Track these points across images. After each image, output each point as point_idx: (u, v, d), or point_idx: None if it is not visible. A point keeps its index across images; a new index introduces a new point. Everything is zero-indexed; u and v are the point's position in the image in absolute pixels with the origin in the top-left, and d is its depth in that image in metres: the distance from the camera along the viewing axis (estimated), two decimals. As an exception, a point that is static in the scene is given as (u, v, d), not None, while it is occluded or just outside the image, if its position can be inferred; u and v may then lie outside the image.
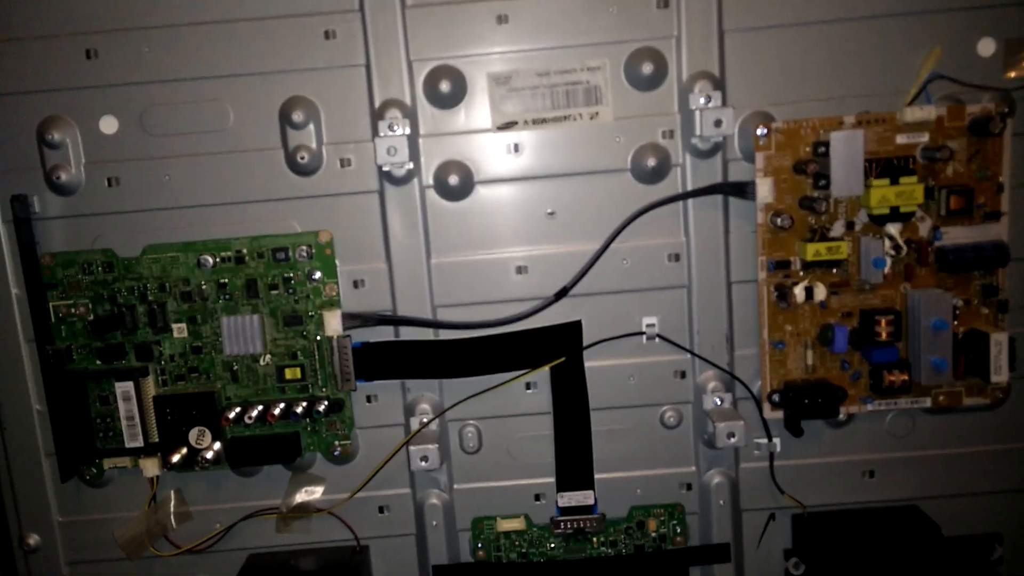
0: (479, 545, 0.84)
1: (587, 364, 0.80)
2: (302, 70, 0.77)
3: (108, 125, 0.78)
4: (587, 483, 0.81)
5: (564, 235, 0.79)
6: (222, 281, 0.78)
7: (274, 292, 0.79)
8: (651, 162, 0.76)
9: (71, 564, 0.85)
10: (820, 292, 0.76)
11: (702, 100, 0.73)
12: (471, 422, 0.82)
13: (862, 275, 0.76)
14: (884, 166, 0.73)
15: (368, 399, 0.82)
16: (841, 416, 0.79)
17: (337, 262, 0.79)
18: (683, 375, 0.81)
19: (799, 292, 0.76)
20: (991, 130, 0.72)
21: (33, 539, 0.84)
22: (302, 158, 0.76)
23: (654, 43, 0.76)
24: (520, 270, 0.80)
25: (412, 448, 0.77)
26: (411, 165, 0.76)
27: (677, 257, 0.79)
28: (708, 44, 0.75)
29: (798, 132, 0.74)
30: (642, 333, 0.80)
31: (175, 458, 0.79)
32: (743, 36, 0.76)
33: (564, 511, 0.81)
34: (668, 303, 0.80)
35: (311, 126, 0.76)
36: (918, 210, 0.74)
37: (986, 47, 0.76)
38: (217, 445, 0.80)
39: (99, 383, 0.80)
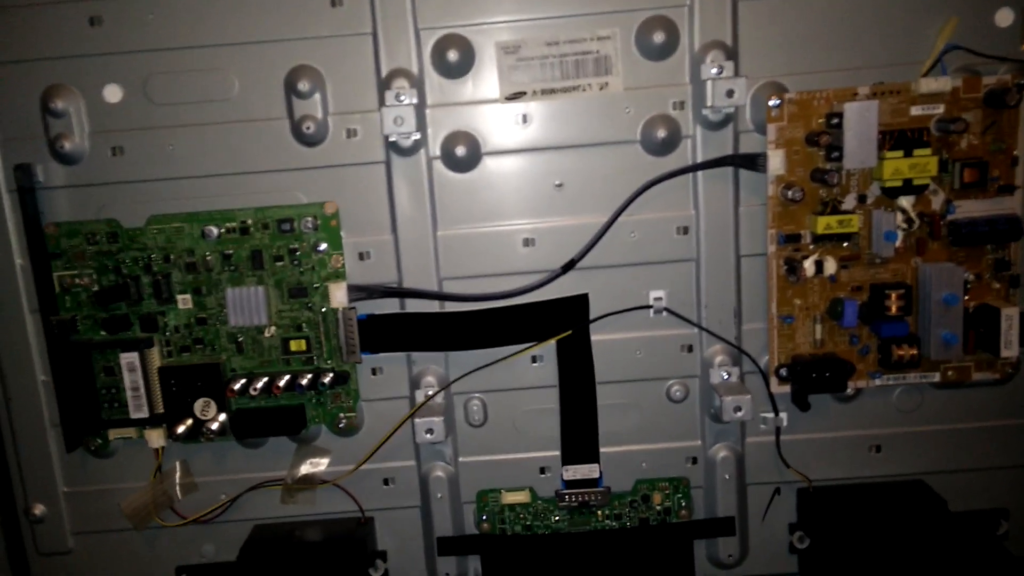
0: (484, 517, 0.84)
1: (594, 337, 0.80)
2: (308, 38, 0.76)
3: (112, 94, 0.77)
4: (592, 456, 0.81)
5: (572, 207, 0.79)
6: (227, 252, 0.78)
7: (279, 263, 0.78)
8: (661, 133, 0.75)
9: (77, 534, 0.85)
10: (830, 266, 0.75)
11: (714, 70, 0.72)
12: (476, 395, 0.82)
13: (873, 249, 0.75)
14: (898, 138, 0.72)
15: (373, 371, 0.81)
16: (849, 390, 0.79)
17: (343, 233, 0.78)
18: (690, 349, 0.81)
19: (809, 266, 0.75)
20: (1007, 102, 0.71)
21: (39, 509, 0.84)
22: (308, 128, 0.75)
23: (666, 12, 0.75)
24: (527, 242, 0.79)
25: (417, 420, 0.77)
26: (418, 136, 0.75)
27: (686, 230, 0.78)
28: (721, 13, 0.74)
29: (811, 103, 0.73)
30: (649, 307, 0.80)
31: (180, 429, 0.79)
32: (756, 5, 0.75)
33: (569, 484, 0.81)
34: (676, 276, 0.80)
35: (317, 96, 0.76)
36: (931, 183, 0.73)
37: (1004, 17, 0.75)
38: (222, 416, 0.80)
39: (104, 354, 0.80)
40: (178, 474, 0.83)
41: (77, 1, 0.75)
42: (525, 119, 0.77)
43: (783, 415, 0.80)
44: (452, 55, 0.75)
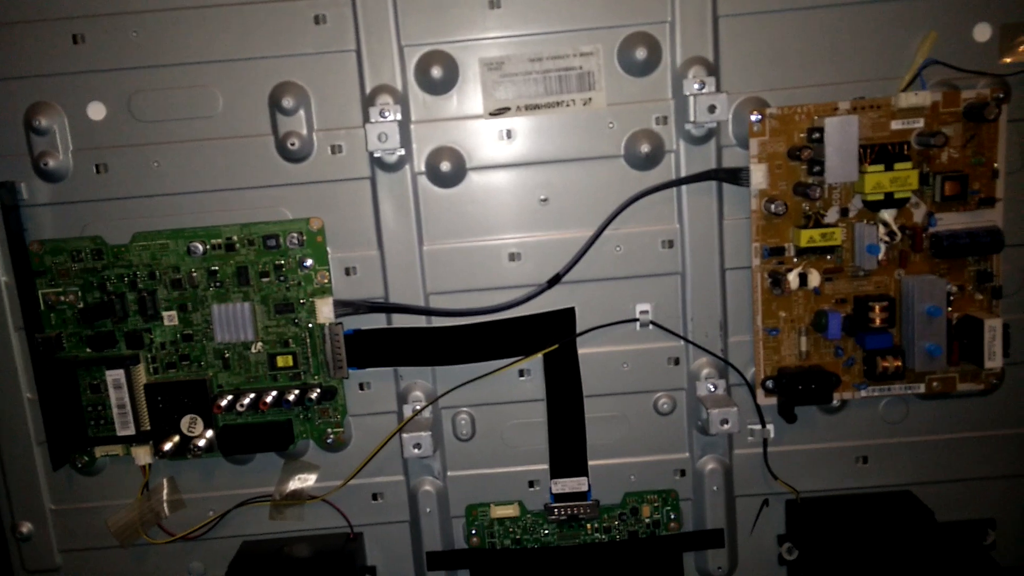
0: (473, 532, 0.84)
1: (580, 351, 0.80)
2: (292, 55, 0.76)
3: (96, 111, 0.77)
4: (581, 470, 0.81)
5: (557, 222, 0.79)
6: (212, 268, 0.78)
7: (265, 279, 0.78)
8: (644, 148, 0.76)
9: (64, 552, 0.85)
10: (814, 278, 0.75)
11: (696, 86, 0.73)
12: (464, 409, 0.82)
13: (856, 261, 0.76)
14: (879, 152, 0.72)
15: (361, 386, 0.81)
16: (835, 402, 0.79)
17: (328, 249, 0.78)
18: (676, 362, 0.81)
19: (793, 278, 0.75)
20: (986, 116, 0.71)
21: (26, 527, 0.84)
22: (292, 144, 0.75)
23: (648, 28, 0.75)
24: (513, 257, 0.79)
25: (405, 435, 0.77)
26: (402, 151, 0.75)
27: (671, 244, 0.78)
28: (702, 29, 0.75)
29: (792, 118, 0.73)
30: (635, 320, 0.80)
31: (167, 446, 0.79)
32: (737, 21, 0.75)
33: (558, 497, 0.81)
34: (662, 290, 0.80)
35: (301, 112, 0.76)
36: (912, 196, 0.74)
37: (982, 32, 0.75)
38: (209, 433, 0.80)
39: (90, 371, 0.79)
40: (165, 491, 0.83)
41: (60, 19, 0.75)
42: (509, 134, 0.77)
43: (770, 427, 0.80)
44: (436, 71, 0.75)
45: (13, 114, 0.77)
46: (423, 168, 0.78)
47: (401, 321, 0.80)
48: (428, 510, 0.82)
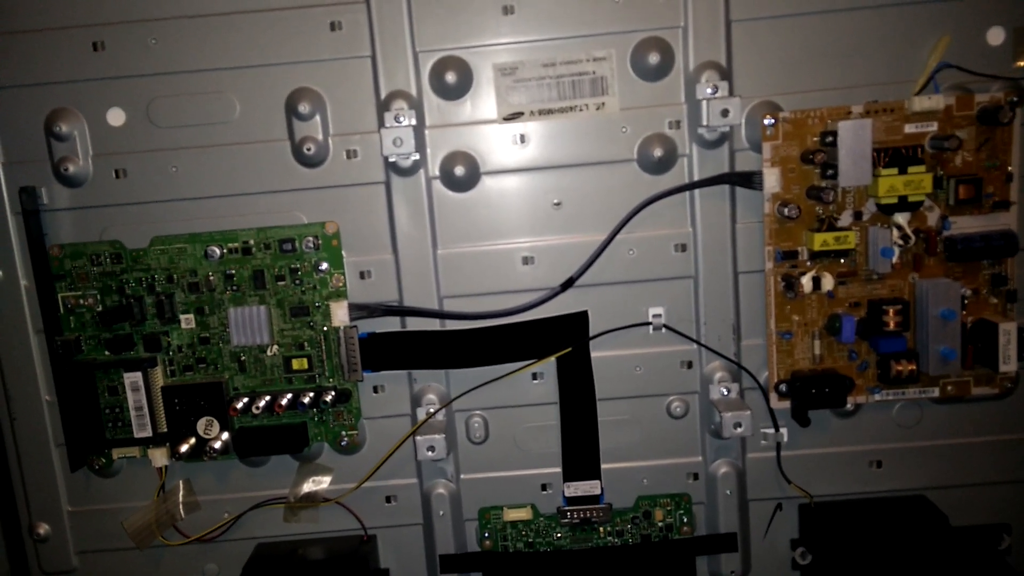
0: (486, 535, 0.84)
1: (593, 354, 0.80)
2: (308, 62, 0.77)
3: (115, 117, 0.78)
4: (594, 473, 0.81)
5: (570, 226, 0.79)
6: (229, 272, 0.79)
7: (281, 283, 0.79)
8: (658, 152, 0.76)
9: (80, 553, 0.86)
10: (828, 282, 0.75)
11: (709, 90, 0.73)
12: (478, 412, 0.83)
13: (870, 265, 0.76)
14: (892, 156, 0.73)
15: (375, 389, 0.82)
16: (848, 406, 0.79)
17: (344, 253, 0.79)
18: (690, 365, 0.81)
19: (806, 282, 0.75)
20: (1000, 119, 0.71)
21: (43, 528, 0.84)
22: (308, 149, 0.76)
23: (660, 33, 0.76)
24: (526, 261, 0.80)
25: (419, 438, 0.77)
26: (417, 156, 0.76)
27: (684, 247, 0.79)
28: (715, 34, 0.75)
29: (806, 122, 0.74)
30: (649, 323, 0.80)
31: (183, 448, 0.79)
32: (750, 26, 0.75)
33: (571, 501, 0.82)
34: (675, 293, 0.80)
35: (317, 117, 0.77)
36: (926, 200, 0.74)
37: (995, 36, 0.75)
38: (225, 435, 0.80)
39: (108, 374, 0.80)
40: (181, 493, 0.83)
41: (80, 26, 0.76)
42: (523, 139, 0.78)
43: (783, 431, 0.80)
44: (450, 77, 0.76)
45: (34, 120, 0.78)
46: (437, 173, 0.78)
47: (415, 324, 0.80)
48: (441, 513, 0.83)
